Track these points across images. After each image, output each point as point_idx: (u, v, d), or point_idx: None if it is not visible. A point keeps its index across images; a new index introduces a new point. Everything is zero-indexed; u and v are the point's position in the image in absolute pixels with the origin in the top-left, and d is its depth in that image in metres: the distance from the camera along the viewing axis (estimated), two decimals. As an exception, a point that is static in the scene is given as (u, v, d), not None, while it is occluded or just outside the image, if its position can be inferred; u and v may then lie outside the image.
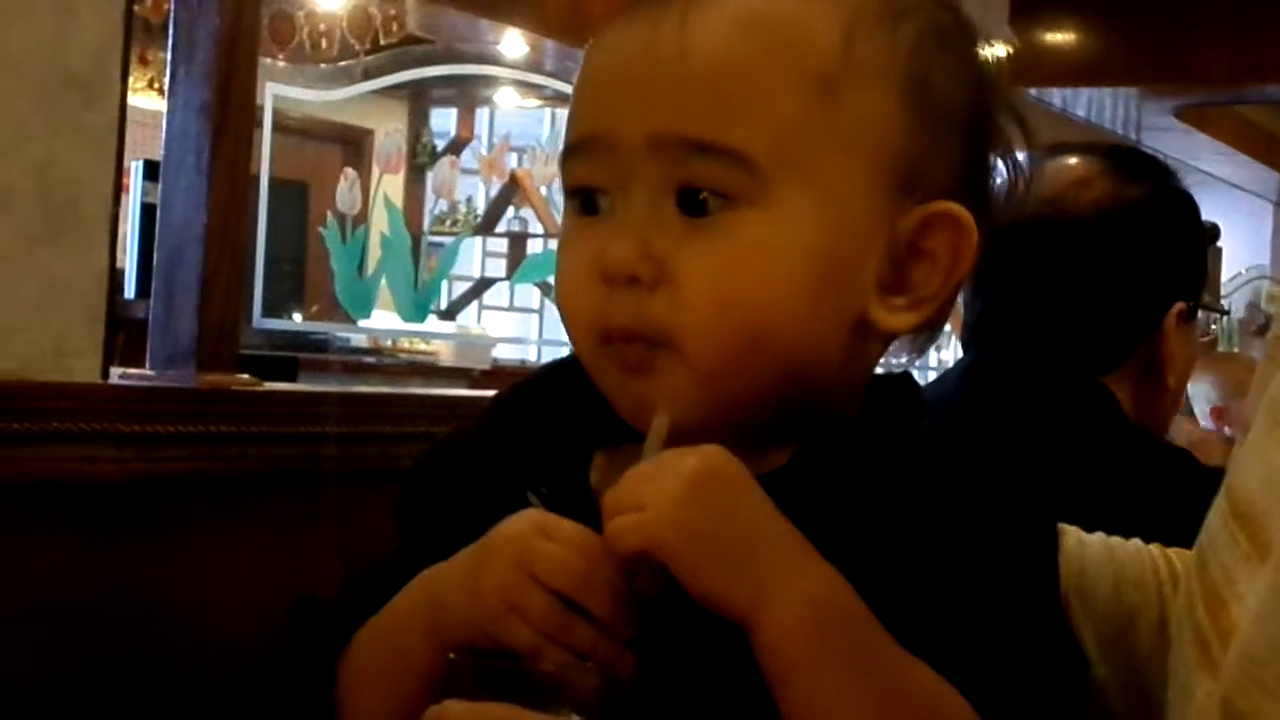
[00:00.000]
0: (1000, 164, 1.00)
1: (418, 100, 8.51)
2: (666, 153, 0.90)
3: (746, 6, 0.92)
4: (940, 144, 0.95)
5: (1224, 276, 7.73)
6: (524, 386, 1.07)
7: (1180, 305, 1.68)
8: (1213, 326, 1.99)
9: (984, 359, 1.68)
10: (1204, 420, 3.85)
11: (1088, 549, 1.22)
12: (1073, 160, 1.71)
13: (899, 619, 0.87)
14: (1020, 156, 1.02)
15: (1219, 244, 5.49)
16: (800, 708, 0.84)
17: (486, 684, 0.81)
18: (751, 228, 0.90)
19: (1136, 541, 1.24)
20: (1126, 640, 1.17)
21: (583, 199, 0.95)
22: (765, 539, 0.85)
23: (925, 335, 1.01)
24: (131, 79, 1.47)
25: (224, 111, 1.53)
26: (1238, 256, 8.35)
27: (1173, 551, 1.22)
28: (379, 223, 4.03)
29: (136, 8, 1.58)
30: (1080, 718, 0.96)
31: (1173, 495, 1.55)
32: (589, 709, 0.81)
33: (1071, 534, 1.22)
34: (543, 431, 0.99)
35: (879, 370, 1.00)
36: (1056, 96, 6.61)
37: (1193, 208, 1.75)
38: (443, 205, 6.89)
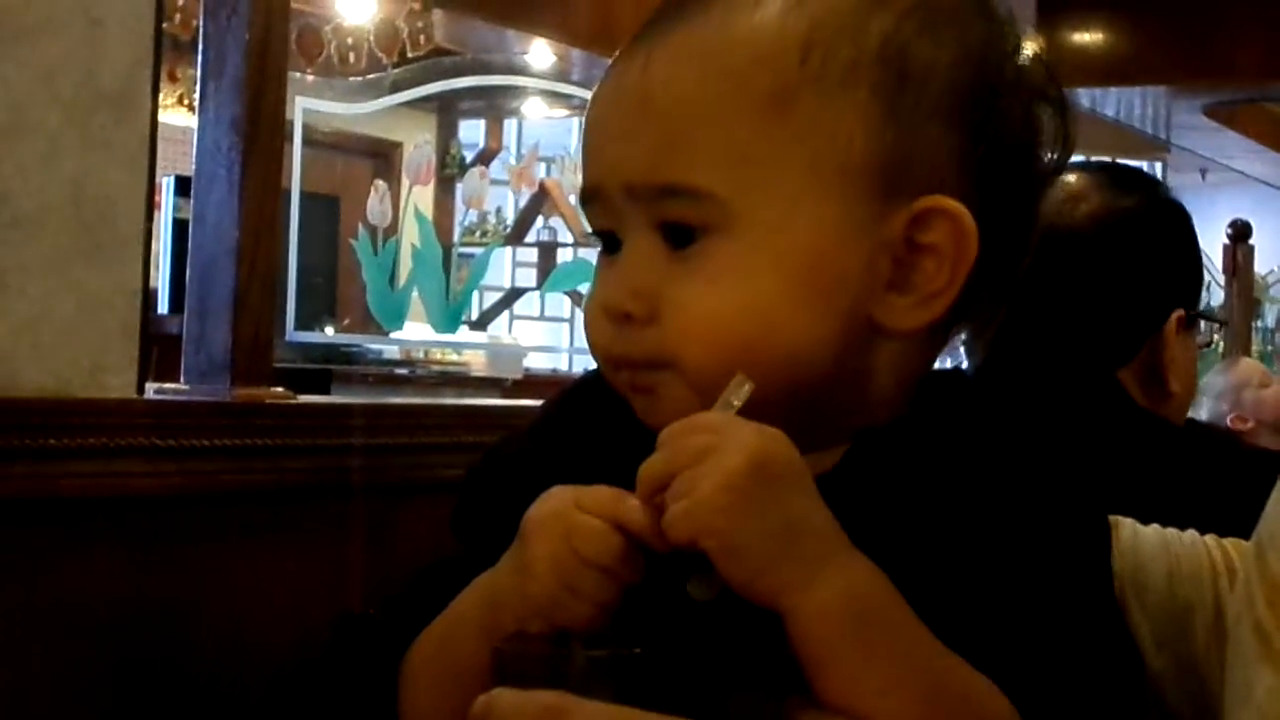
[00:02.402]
0: (1017, 148, 0.98)
1: (446, 112, 8.53)
2: (642, 198, 0.94)
3: (697, 41, 0.94)
4: (925, 135, 0.94)
5: (1256, 274, 7.69)
6: (575, 391, 1.09)
7: (1180, 312, 1.72)
8: (1215, 337, 2.02)
9: (993, 359, 1.70)
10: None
11: (1142, 541, 1.22)
12: (1069, 177, 1.75)
13: (953, 613, 0.87)
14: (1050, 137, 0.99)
15: (1250, 241, 5.47)
16: (832, 697, 0.84)
17: (535, 671, 0.82)
18: (725, 253, 0.93)
19: (1192, 533, 1.24)
20: (1182, 633, 1.17)
21: (602, 240, 1.00)
22: (808, 529, 0.86)
23: (983, 333, 1.01)
24: (161, 95, 1.48)
25: (254, 126, 1.53)
26: (1270, 253, 8.31)
27: (1229, 542, 1.22)
28: (410, 234, 4.04)
29: (165, 25, 1.59)
30: (1136, 713, 0.96)
31: (1186, 476, 1.57)
32: (636, 694, 0.81)
33: (1126, 526, 1.22)
34: (596, 436, 1.01)
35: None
36: (1085, 97, 6.59)
37: (1184, 217, 1.80)
38: (472, 216, 6.90)
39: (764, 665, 0.86)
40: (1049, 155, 1.00)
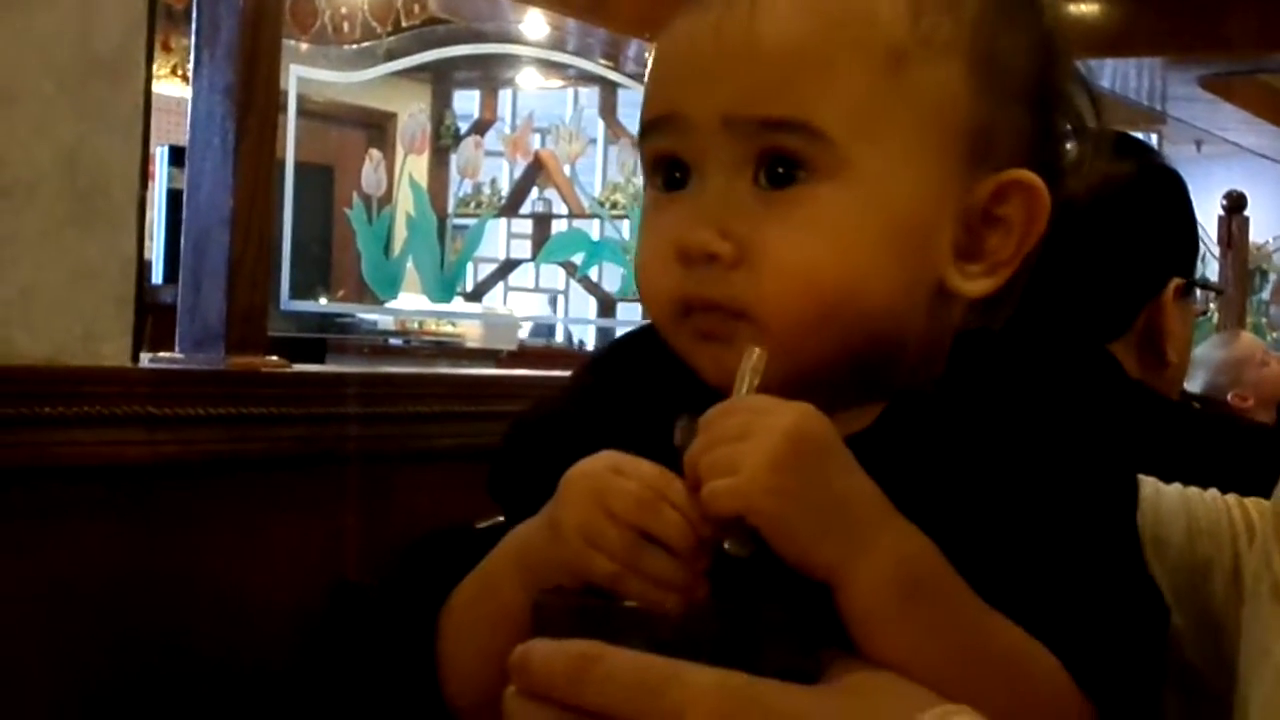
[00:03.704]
0: (1069, 132, 1.02)
1: (440, 82, 8.51)
2: (741, 131, 0.92)
3: None
4: (1008, 113, 0.97)
5: (1254, 243, 7.70)
6: (612, 354, 1.09)
7: (1177, 280, 1.72)
8: (1211, 305, 2.04)
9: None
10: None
11: (1163, 497, 1.22)
12: None
13: (984, 571, 0.88)
14: (1089, 125, 1.04)
15: (1245, 212, 5.46)
16: (878, 660, 0.85)
17: (572, 622, 0.82)
18: (827, 200, 0.92)
19: (1213, 491, 1.24)
20: (1201, 590, 1.17)
21: (664, 174, 0.96)
22: (854, 500, 0.86)
23: (1002, 304, 1.02)
24: (155, 65, 1.48)
25: (248, 94, 1.53)
26: (1265, 225, 8.31)
27: (1250, 501, 1.22)
28: (404, 204, 4.03)
29: (159, -7, 1.59)
30: (1163, 667, 0.97)
31: (1178, 450, 1.58)
32: (671, 644, 0.82)
33: (1149, 484, 1.23)
34: (636, 398, 1.01)
35: None
36: (1080, 68, 6.58)
37: (1179, 183, 1.80)
38: (467, 186, 6.90)
39: (800, 619, 0.86)
40: (1083, 144, 1.04)
